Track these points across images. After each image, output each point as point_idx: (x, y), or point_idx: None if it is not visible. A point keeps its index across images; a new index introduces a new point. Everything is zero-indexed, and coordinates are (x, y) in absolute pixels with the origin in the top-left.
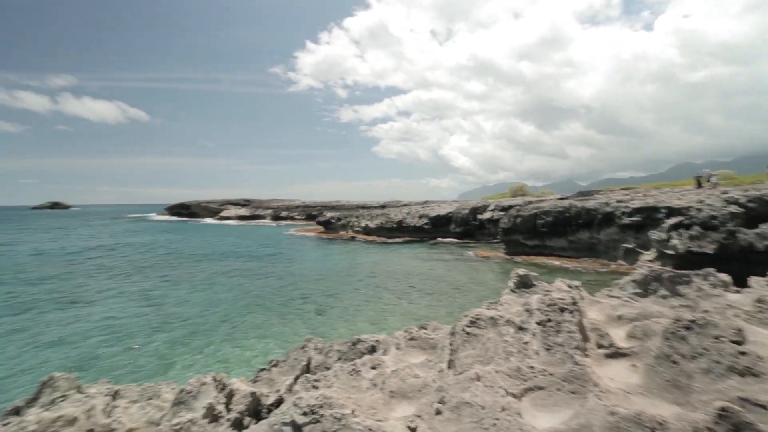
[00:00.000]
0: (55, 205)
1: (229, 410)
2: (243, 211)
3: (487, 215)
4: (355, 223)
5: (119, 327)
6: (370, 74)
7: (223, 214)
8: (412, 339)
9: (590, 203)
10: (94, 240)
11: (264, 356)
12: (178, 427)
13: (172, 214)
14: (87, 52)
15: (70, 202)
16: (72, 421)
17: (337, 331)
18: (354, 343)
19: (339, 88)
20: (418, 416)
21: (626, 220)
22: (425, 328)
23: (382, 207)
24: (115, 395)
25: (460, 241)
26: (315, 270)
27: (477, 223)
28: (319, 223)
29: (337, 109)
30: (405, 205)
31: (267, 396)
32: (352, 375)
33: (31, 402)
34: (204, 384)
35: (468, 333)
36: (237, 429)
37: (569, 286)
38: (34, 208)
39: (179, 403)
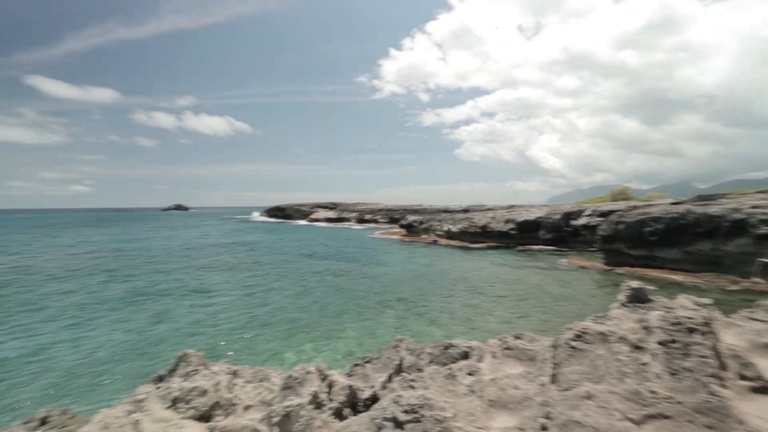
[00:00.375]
0: (178, 207)
1: (330, 400)
2: (330, 214)
3: (582, 221)
4: (438, 227)
5: (230, 316)
6: (453, 76)
7: (313, 216)
8: (508, 348)
9: (714, 209)
10: (209, 238)
11: (353, 352)
12: (289, 409)
13: (270, 216)
14: (204, 74)
15: (189, 204)
16: (203, 393)
17: (425, 333)
18: (446, 347)
19: (421, 92)
20: (521, 429)
21: (764, 230)
22: (520, 338)
23: (465, 211)
24: (234, 374)
25: (550, 248)
26: (400, 272)
27: (570, 229)
28: (401, 226)
29: (419, 114)
30: (489, 209)
31: (362, 390)
32: (448, 379)
33: (171, 372)
34: (309, 373)
35: (573, 347)
36: (337, 417)
37: (697, 304)
38: (164, 209)
39: (287, 387)
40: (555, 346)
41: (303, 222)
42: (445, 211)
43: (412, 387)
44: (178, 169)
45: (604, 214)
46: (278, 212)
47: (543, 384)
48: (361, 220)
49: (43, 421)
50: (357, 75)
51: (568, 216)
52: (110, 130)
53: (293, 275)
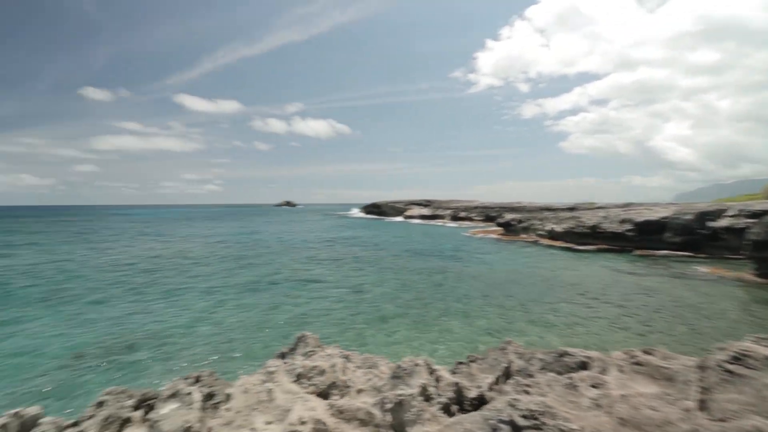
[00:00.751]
0: (287, 203)
1: (438, 394)
2: (425, 211)
3: (724, 222)
4: (539, 226)
5: (336, 305)
6: (557, 63)
7: (408, 213)
8: (637, 364)
9: None
10: (314, 232)
11: (455, 350)
12: (401, 397)
13: (367, 213)
14: (310, 82)
15: (296, 201)
16: (322, 372)
17: (532, 338)
18: (560, 355)
19: (520, 83)
20: None
21: None
22: (651, 354)
23: (571, 209)
24: (346, 359)
25: (679, 254)
26: (500, 272)
27: (707, 232)
28: (499, 224)
29: (517, 106)
30: (600, 207)
31: (468, 389)
32: (568, 389)
33: (292, 351)
34: (417, 365)
35: (729, 371)
36: (446, 413)
37: None
38: (275, 205)
39: (396, 377)
40: (702, 368)
41: (398, 219)
42: (548, 209)
43: (526, 392)
44: (287, 170)
45: (757, 215)
46: (374, 209)
47: (688, 409)
48: (455, 218)
49: (197, 379)
50: (451, 70)
51: (704, 216)
52: (234, 137)
53: (392, 271)
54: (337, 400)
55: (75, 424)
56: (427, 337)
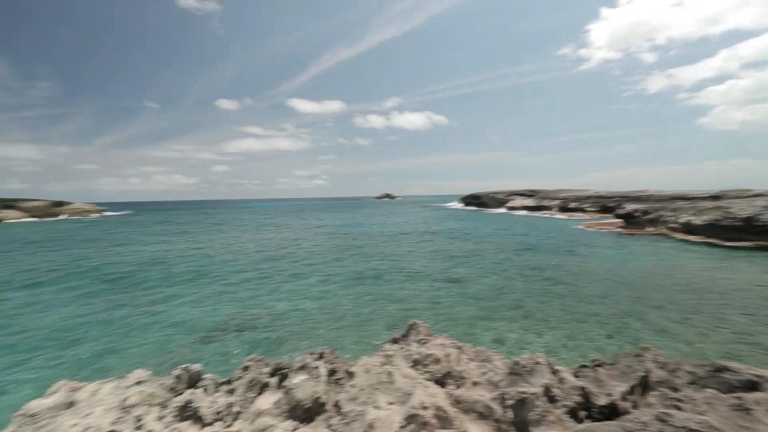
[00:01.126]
0: (386, 196)
1: (563, 397)
2: (528, 202)
3: None
4: (670, 218)
5: (436, 296)
6: (695, 23)
7: (510, 204)
8: None
9: None
10: (413, 225)
11: (566, 351)
12: (524, 395)
13: (466, 204)
14: (407, 75)
15: (395, 193)
16: (437, 360)
17: (667, 348)
18: (717, 370)
19: (644, 52)
20: None
21: None
22: None
23: (715, 198)
24: (459, 349)
25: None
26: (620, 271)
27: None
28: (618, 216)
29: (641, 80)
30: (758, 195)
31: (597, 395)
32: (736, 411)
33: (403, 337)
34: (537, 363)
35: None
36: (572, 417)
37: None
38: (376, 198)
39: (514, 373)
40: None
41: (499, 210)
42: (682, 197)
43: (678, 408)
44: (386, 163)
45: None
46: (474, 200)
47: None
48: (564, 209)
49: (321, 355)
50: (558, 48)
51: None
52: (338, 134)
53: (496, 264)
54: (453, 389)
55: (228, 382)
56: (538, 337)
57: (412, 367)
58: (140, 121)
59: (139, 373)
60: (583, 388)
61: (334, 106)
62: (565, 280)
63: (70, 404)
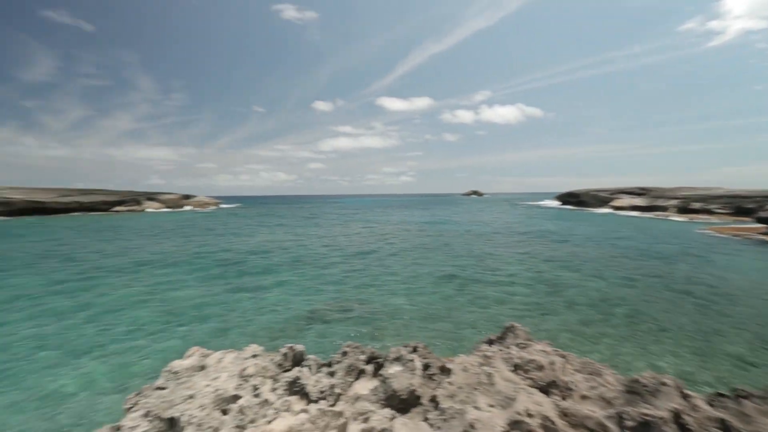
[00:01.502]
0: (474, 193)
1: (700, 428)
2: (638, 201)
3: None
4: None
5: (525, 300)
6: None
7: (615, 203)
8: None
9: None
10: (504, 224)
11: (674, 372)
12: (648, 418)
13: (562, 202)
14: (497, 67)
15: (483, 190)
16: (540, 367)
17: None
18: None
19: None
20: None
21: None
22: None
23: None
24: (564, 358)
25: None
26: (753, 291)
27: None
28: (761, 220)
29: None
30: None
31: None
32: None
33: (500, 340)
34: (663, 384)
35: None
36: None
37: None
38: (463, 194)
39: (633, 392)
40: None
41: (602, 210)
42: None
43: None
44: (473, 159)
45: None
46: (571, 198)
47: None
48: (683, 210)
49: (414, 349)
50: (681, 22)
51: None
52: (426, 131)
53: (596, 270)
54: (559, 400)
55: (328, 365)
56: (657, 356)
57: (512, 371)
58: (249, 124)
59: (254, 348)
60: (723, 421)
61: (422, 102)
62: (692, 292)
63: (202, 367)
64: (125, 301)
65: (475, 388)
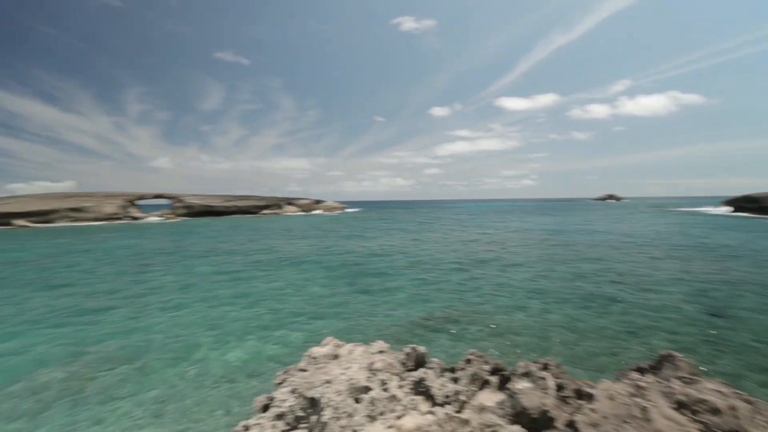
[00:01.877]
0: (609, 197)
1: None
2: None
3: None
4: None
5: (681, 328)
6: None
7: None
8: None
9: None
10: (646, 235)
11: None
12: None
13: (735, 209)
14: (641, 51)
15: (621, 194)
16: (714, 411)
17: None
18: None
19: None
20: None
21: None
22: None
23: None
24: (750, 404)
25: None
26: None
27: None
28: None
29: None
30: None
31: None
32: None
33: (652, 369)
34: None
35: None
36: None
37: None
38: (595, 199)
39: None
40: None
41: None
42: None
43: None
44: (608, 159)
45: None
46: (749, 204)
47: None
48: None
49: (545, 366)
50: None
51: None
52: (550, 130)
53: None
54: None
55: (451, 370)
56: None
57: (675, 409)
58: (371, 133)
59: (381, 344)
60: None
61: (546, 99)
62: None
63: (335, 356)
64: (271, 293)
65: (626, 421)
